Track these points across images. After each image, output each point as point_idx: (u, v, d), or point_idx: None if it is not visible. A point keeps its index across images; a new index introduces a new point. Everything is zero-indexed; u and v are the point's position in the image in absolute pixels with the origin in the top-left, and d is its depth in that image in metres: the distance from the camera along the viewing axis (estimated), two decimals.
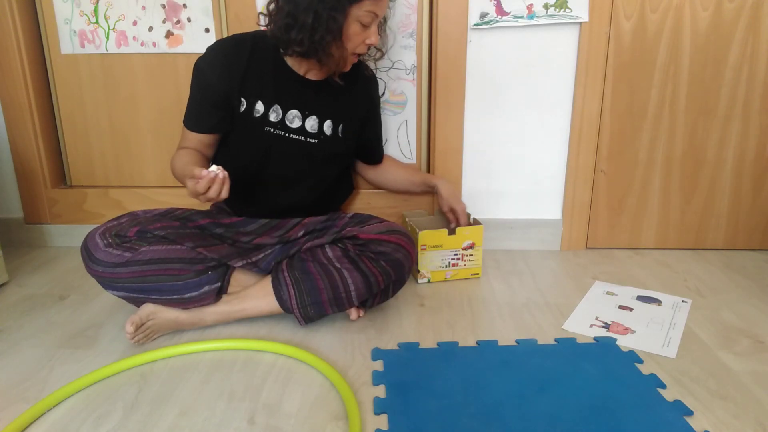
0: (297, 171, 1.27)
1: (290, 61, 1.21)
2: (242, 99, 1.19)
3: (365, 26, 1.13)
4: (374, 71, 1.41)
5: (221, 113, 1.20)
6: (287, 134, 1.23)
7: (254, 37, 1.21)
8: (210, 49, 1.20)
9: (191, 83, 1.21)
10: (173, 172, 1.22)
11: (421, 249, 1.37)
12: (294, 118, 1.22)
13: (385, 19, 1.28)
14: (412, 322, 1.21)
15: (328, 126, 1.26)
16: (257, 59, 1.19)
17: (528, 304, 1.29)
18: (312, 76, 1.23)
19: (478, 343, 1.11)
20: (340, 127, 1.28)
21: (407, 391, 0.95)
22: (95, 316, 1.25)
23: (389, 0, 1.19)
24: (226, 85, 1.17)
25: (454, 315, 1.24)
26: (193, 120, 1.22)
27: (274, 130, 1.22)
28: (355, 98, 1.31)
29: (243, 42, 1.19)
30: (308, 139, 1.25)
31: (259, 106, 1.20)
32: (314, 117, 1.24)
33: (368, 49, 1.19)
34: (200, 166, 1.13)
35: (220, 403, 0.93)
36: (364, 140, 1.39)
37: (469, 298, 1.33)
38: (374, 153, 1.47)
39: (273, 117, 1.21)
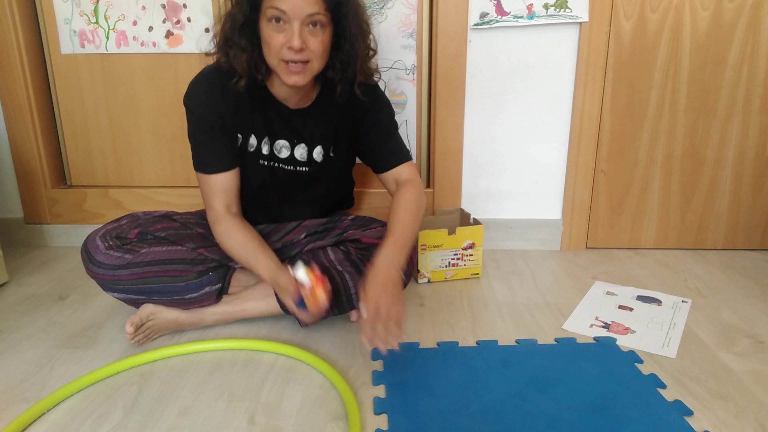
0: (296, 197, 1.23)
1: (274, 90, 1.12)
2: (238, 134, 1.12)
3: (277, 26, 0.97)
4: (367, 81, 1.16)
5: (233, 143, 1.12)
6: (277, 164, 1.17)
7: (231, 66, 1.07)
8: (197, 86, 1.09)
9: (190, 126, 1.10)
10: (231, 255, 1.11)
11: (421, 249, 1.37)
12: (282, 149, 1.16)
13: (345, 30, 1.04)
14: (412, 322, 1.21)
15: (318, 152, 1.18)
16: (243, 92, 1.08)
17: (528, 304, 1.29)
18: (295, 104, 1.13)
19: (478, 343, 1.11)
20: (331, 149, 1.20)
21: (407, 391, 0.94)
22: (95, 316, 1.25)
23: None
24: (225, 119, 1.09)
25: (454, 315, 1.24)
26: (212, 161, 1.10)
27: (266, 163, 1.17)
28: (344, 116, 1.18)
29: (224, 75, 1.07)
30: (299, 168, 1.18)
31: (252, 140, 1.14)
32: (303, 145, 1.17)
33: (298, 53, 0.98)
34: (267, 252, 1.08)
35: (220, 403, 0.93)
36: (363, 149, 1.24)
37: (469, 298, 1.33)
38: (375, 162, 1.23)
39: (265, 149, 1.15)
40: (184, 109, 1.12)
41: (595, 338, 1.13)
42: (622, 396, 0.93)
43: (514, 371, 1.01)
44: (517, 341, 1.12)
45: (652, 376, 0.99)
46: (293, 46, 0.96)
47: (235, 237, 1.09)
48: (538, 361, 1.04)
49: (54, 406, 0.92)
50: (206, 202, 1.13)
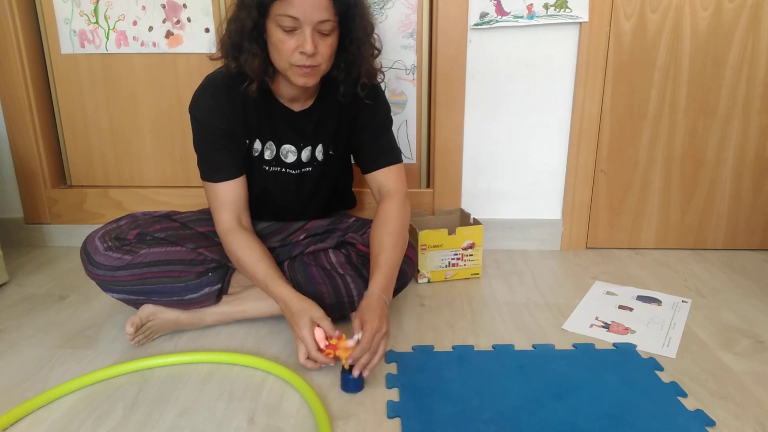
0: (302, 198, 1.23)
1: (279, 92, 1.11)
2: (247, 140, 1.13)
3: (288, 32, 0.97)
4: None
5: (240, 150, 1.12)
6: (283, 169, 1.18)
7: (240, 71, 1.07)
8: (203, 93, 1.09)
9: (195, 135, 1.11)
10: (242, 270, 1.10)
11: (421, 249, 1.37)
12: (288, 153, 1.16)
13: (352, 32, 1.04)
14: (411, 322, 1.21)
15: (319, 151, 1.19)
16: (249, 97, 1.07)
17: (528, 304, 1.29)
18: (300, 105, 1.14)
19: (494, 347, 1.10)
20: (332, 147, 1.21)
21: (421, 395, 0.93)
22: (95, 317, 1.25)
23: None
24: (232, 125, 1.09)
25: (454, 315, 1.24)
26: (219, 169, 1.10)
27: (270, 168, 1.17)
28: (344, 113, 1.17)
29: (232, 80, 1.06)
30: (304, 170, 1.19)
31: (257, 145, 1.14)
32: (309, 148, 1.17)
33: (309, 58, 0.98)
34: (272, 264, 1.07)
35: (220, 403, 0.93)
36: (355, 145, 1.23)
37: (469, 298, 1.33)
38: (364, 160, 1.22)
39: (267, 155, 1.15)
40: (184, 108, 1.11)
41: (614, 344, 1.10)
42: (641, 405, 0.91)
43: (531, 377, 0.99)
44: (534, 346, 1.10)
45: (673, 384, 0.97)
46: (306, 51, 0.97)
47: (248, 254, 1.07)
48: (556, 367, 1.02)
49: (23, 418, 0.90)
50: (214, 215, 1.12)
